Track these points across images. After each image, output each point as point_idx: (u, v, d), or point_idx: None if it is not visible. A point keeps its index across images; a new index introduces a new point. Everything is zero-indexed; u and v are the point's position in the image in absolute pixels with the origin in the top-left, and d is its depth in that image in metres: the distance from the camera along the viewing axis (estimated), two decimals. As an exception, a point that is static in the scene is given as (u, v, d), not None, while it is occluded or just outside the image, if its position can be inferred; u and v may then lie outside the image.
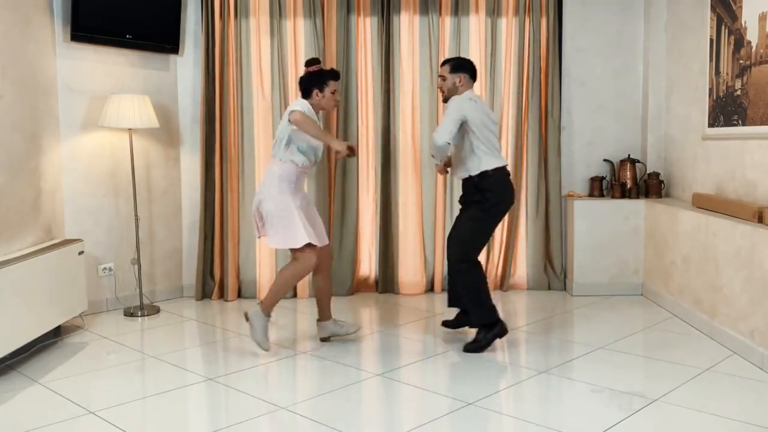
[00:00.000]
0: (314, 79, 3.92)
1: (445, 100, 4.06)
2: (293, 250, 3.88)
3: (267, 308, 3.87)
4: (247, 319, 3.91)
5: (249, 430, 2.93)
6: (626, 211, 5.21)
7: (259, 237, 4.01)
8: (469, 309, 4.02)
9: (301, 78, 3.97)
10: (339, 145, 3.74)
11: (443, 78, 4.02)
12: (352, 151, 3.80)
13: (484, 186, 3.91)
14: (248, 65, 5.19)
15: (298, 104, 3.83)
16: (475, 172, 3.92)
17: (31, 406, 3.21)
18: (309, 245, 3.81)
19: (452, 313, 4.45)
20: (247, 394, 3.33)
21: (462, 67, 4.01)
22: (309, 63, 3.99)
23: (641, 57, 5.49)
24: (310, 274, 4.11)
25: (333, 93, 3.94)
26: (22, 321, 3.72)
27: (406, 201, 5.38)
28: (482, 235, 4.00)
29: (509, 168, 5.39)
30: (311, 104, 3.90)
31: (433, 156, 4.03)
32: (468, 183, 4.00)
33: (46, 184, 4.41)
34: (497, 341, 4.08)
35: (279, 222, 3.81)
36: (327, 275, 4.12)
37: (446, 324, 4.28)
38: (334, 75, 3.97)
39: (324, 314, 4.14)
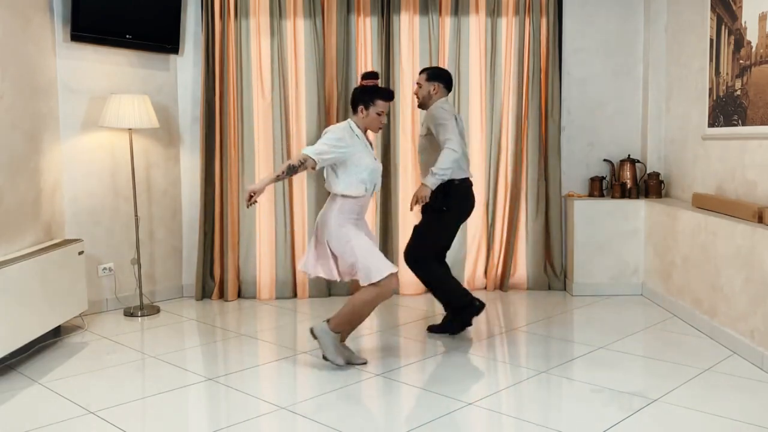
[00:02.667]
0: (363, 95, 3.62)
1: (420, 107, 4.27)
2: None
3: (336, 326, 3.60)
4: (313, 336, 3.65)
5: (249, 430, 2.93)
6: (626, 211, 5.20)
7: (339, 279, 3.62)
8: (440, 298, 4.25)
9: (354, 90, 3.71)
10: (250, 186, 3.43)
11: (419, 85, 4.19)
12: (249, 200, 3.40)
13: (449, 195, 4.05)
14: (248, 65, 5.18)
15: (334, 131, 3.53)
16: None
17: (31, 406, 3.21)
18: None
19: (438, 318, 4.54)
20: (247, 394, 3.33)
21: (438, 76, 4.19)
22: (366, 76, 3.66)
23: (641, 57, 5.49)
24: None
25: (379, 114, 3.60)
26: (22, 321, 3.72)
27: (406, 201, 5.36)
28: (437, 241, 4.21)
29: (511, 169, 5.42)
30: (356, 122, 3.62)
31: (444, 171, 3.92)
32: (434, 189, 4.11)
33: (46, 184, 4.41)
34: (499, 338, 4.08)
35: (357, 257, 3.49)
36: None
37: (432, 329, 4.36)
38: (384, 95, 3.62)
39: (342, 336, 3.75)
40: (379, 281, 3.47)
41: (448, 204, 4.07)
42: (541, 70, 5.37)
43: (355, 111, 3.65)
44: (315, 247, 3.65)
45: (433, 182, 3.93)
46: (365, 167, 3.57)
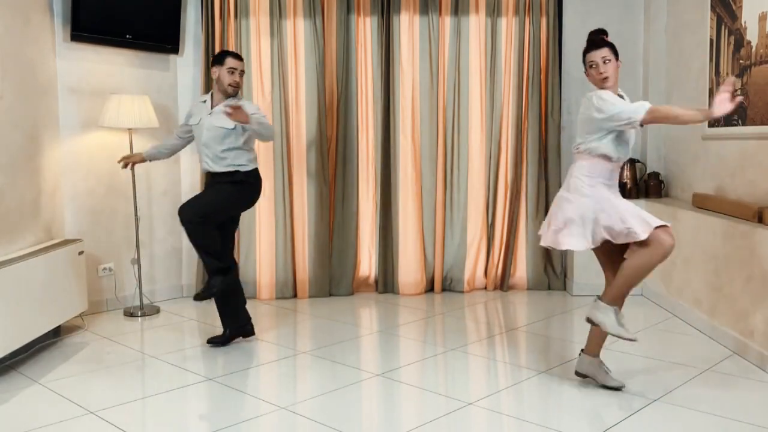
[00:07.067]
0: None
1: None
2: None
3: (612, 299, 3.17)
4: (591, 323, 3.22)
5: (249, 430, 2.93)
6: (626, 211, 5.19)
7: (591, 247, 3.23)
8: (202, 261, 3.98)
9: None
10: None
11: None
12: None
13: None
14: (248, 65, 5.18)
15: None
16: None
17: (31, 406, 3.21)
18: (659, 227, 3.06)
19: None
20: (247, 394, 3.33)
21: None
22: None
23: (641, 57, 5.49)
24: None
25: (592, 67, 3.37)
26: (22, 321, 3.72)
27: (406, 201, 5.38)
28: (222, 211, 3.97)
29: (511, 169, 5.41)
30: None
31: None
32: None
33: (46, 184, 4.41)
34: (499, 338, 4.08)
35: (611, 215, 3.12)
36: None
37: (214, 341, 4.14)
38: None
39: (592, 346, 3.38)
40: (652, 240, 3.05)
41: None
42: (541, 70, 5.37)
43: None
44: (563, 221, 3.23)
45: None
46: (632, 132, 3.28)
